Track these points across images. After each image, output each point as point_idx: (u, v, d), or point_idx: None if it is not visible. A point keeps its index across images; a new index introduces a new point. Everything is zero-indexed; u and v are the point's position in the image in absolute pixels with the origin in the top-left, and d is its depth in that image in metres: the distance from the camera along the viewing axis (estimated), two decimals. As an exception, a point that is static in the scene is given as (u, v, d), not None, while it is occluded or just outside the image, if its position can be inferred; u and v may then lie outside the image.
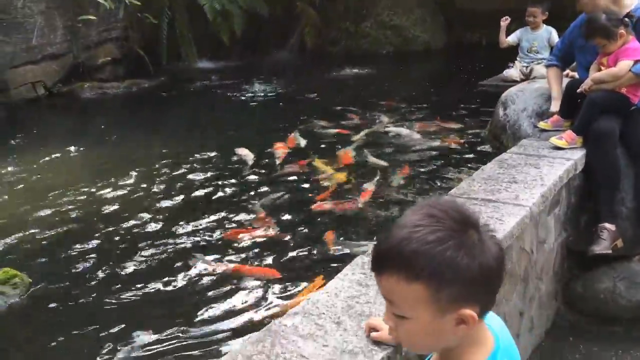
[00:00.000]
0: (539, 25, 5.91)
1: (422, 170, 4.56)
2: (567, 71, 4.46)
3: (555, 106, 3.79)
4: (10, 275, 3.03)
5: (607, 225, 3.20)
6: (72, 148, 5.60)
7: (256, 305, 3.07)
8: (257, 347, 1.61)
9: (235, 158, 5.20)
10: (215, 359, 2.48)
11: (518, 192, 2.69)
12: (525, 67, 6.43)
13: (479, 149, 4.86)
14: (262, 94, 7.75)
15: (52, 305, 2.94)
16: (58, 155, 5.42)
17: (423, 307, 1.02)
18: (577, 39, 3.69)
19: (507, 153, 3.32)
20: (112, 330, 2.79)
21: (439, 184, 4.24)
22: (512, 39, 6.27)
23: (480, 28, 9.90)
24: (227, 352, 1.66)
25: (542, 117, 3.80)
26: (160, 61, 8.80)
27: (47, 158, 5.31)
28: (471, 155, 4.77)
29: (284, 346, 1.61)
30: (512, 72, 6.43)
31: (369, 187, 4.24)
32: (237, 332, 2.82)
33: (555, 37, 5.90)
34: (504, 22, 5.95)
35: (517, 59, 6.70)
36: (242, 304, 3.08)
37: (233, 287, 3.23)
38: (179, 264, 3.49)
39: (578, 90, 3.29)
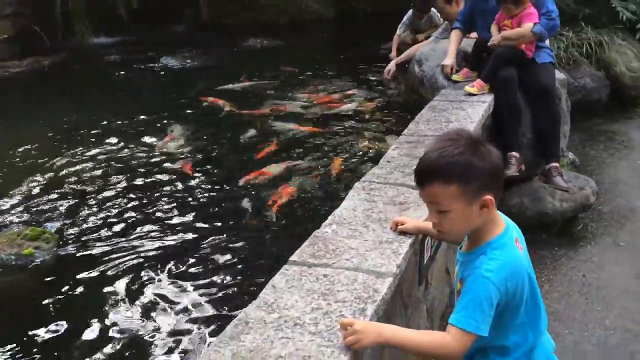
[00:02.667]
0: (423, 17, 6.72)
1: (360, 127, 5.15)
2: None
3: (448, 61, 4.47)
4: (38, 232, 3.16)
5: (514, 153, 3.99)
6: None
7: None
8: (314, 248, 2.09)
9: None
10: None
11: (457, 127, 3.35)
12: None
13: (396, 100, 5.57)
14: (170, 68, 7.84)
15: (83, 256, 3.15)
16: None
17: (458, 200, 1.50)
18: (477, 4, 4.41)
19: (434, 101, 3.98)
20: (149, 273, 3.12)
21: (378, 134, 4.86)
22: (401, 31, 6.99)
23: (365, -3, 10.78)
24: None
25: (454, 71, 4.52)
26: (57, 38, 8.49)
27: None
28: (394, 106, 5.44)
29: (334, 244, 2.10)
30: (405, 37, 7.20)
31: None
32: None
33: (436, 19, 6.75)
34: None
35: None
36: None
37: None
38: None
39: (489, 44, 4.01)
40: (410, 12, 6.72)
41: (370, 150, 4.54)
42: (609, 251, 3.86)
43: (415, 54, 5.06)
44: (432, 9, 6.62)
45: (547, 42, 4.55)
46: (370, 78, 6.65)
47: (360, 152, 4.55)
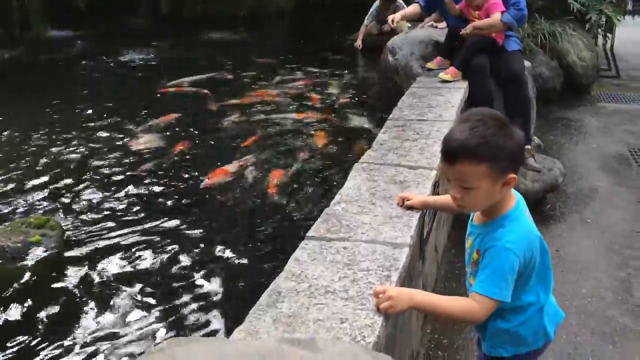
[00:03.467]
0: (390, 7, 6.88)
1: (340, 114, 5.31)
2: (432, 23, 5.44)
3: (397, 18, 4.53)
4: (43, 221, 3.12)
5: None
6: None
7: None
8: (328, 224, 2.17)
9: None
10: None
11: (439, 112, 3.50)
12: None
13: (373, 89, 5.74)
14: (131, 60, 7.76)
15: (90, 243, 3.18)
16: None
17: (485, 178, 1.55)
18: None
19: (413, 87, 4.12)
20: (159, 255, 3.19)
21: (357, 116, 5.01)
22: (368, 21, 7.12)
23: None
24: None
25: (427, 59, 4.68)
26: (13, 31, 8.22)
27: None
28: (370, 95, 5.61)
29: (347, 220, 2.19)
30: (372, 28, 7.37)
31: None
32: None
33: (402, 9, 6.89)
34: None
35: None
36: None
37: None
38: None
39: (461, 33, 4.18)
40: (377, 2, 6.86)
41: (352, 134, 4.72)
42: (577, 228, 4.10)
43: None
44: (399, 0, 6.79)
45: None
46: (341, 67, 6.79)
47: (342, 137, 4.72)
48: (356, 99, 5.53)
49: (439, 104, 3.66)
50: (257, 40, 8.91)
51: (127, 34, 8.98)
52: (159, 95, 6.08)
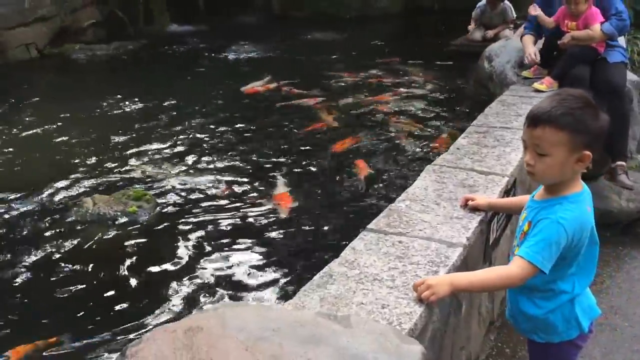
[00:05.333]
0: (498, 6, 6.71)
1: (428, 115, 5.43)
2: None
3: (526, 60, 4.56)
4: (140, 194, 3.60)
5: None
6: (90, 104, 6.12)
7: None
8: (389, 219, 2.27)
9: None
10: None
11: (525, 121, 3.45)
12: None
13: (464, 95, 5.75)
14: (249, 56, 8.23)
15: (179, 216, 3.64)
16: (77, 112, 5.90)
17: (562, 148, 1.63)
18: (545, 9, 4.46)
19: (504, 95, 4.07)
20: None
21: (447, 122, 5.06)
22: (474, 23, 7.02)
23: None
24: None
25: (524, 68, 4.59)
26: (138, 24, 9.04)
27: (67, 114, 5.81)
28: (460, 100, 5.64)
29: (408, 217, 2.28)
30: (476, 34, 7.25)
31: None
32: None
33: (510, 13, 6.71)
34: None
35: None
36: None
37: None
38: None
39: (559, 42, 4.07)
40: (483, 1, 6.72)
41: (436, 138, 4.80)
42: (674, 253, 3.85)
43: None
44: (506, 1, 6.59)
45: (624, 42, 4.55)
46: (441, 74, 6.79)
47: (426, 140, 4.82)
48: (449, 105, 5.55)
49: (527, 113, 3.59)
50: (361, 42, 9.05)
51: (240, 31, 9.47)
52: (250, 94, 6.37)
